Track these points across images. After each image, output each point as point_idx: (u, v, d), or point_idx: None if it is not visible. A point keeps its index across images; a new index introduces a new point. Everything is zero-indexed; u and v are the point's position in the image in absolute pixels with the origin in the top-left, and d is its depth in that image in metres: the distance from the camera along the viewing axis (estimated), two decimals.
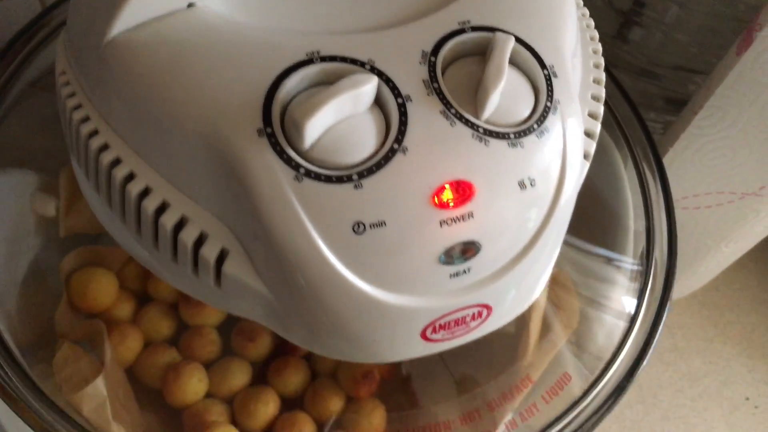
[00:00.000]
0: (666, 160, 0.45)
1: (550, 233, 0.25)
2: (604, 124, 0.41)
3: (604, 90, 0.28)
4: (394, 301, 0.23)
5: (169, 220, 0.23)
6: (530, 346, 0.36)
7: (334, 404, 0.38)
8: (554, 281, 0.38)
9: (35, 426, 0.30)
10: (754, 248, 0.51)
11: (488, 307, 0.25)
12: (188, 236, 0.23)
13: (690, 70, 0.51)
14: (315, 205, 0.21)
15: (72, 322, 0.39)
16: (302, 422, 0.39)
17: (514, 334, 0.37)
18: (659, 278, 0.35)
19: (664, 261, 0.35)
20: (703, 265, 0.50)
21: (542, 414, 0.30)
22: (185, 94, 0.22)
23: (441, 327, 0.24)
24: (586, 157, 0.27)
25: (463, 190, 0.22)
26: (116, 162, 0.23)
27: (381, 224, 0.22)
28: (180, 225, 0.23)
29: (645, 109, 0.54)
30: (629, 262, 0.37)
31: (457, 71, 0.24)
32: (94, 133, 0.24)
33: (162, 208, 0.23)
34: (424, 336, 0.25)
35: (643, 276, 0.34)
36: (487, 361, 0.35)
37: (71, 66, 0.25)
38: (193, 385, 0.39)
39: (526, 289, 0.26)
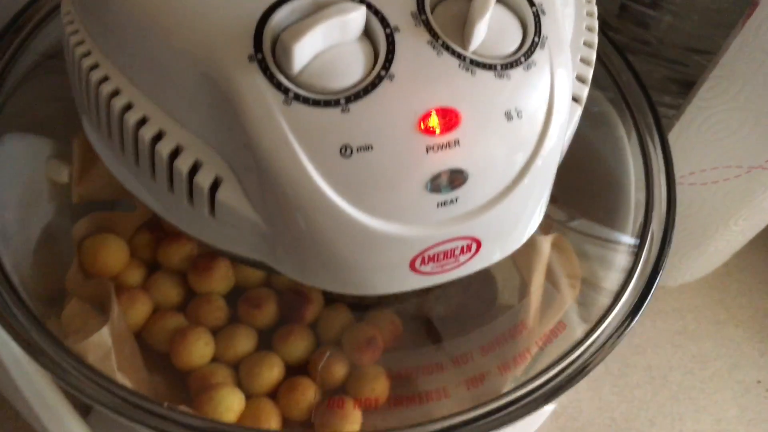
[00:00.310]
0: (672, 135, 0.45)
1: (538, 169, 0.25)
2: (609, 98, 0.42)
3: (596, 37, 0.28)
4: (383, 228, 0.23)
5: (164, 148, 0.24)
6: (532, 312, 0.36)
7: (338, 371, 0.39)
8: (555, 246, 0.38)
9: (50, 369, 0.30)
10: (765, 232, 0.51)
11: (477, 241, 0.25)
12: (183, 164, 0.24)
13: (703, 52, 0.52)
14: (303, 127, 0.22)
15: (82, 285, 0.40)
16: (305, 387, 0.39)
17: (516, 306, 0.38)
18: (655, 245, 0.35)
19: (661, 229, 0.35)
20: (712, 245, 0.50)
21: (534, 360, 0.30)
22: (179, 23, 0.23)
23: (430, 259, 0.25)
24: (578, 100, 0.27)
25: (449, 118, 0.23)
26: (115, 93, 0.24)
27: (368, 148, 0.22)
28: (175, 153, 0.24)
29: (659, 93, 0.54)
30: (629, 230, 0.37)
31: (446, 9, 0.24)
32: (94, 66, 0.25)
33: (158, 137, 0.24)
34: (413, 267, 0.25)
35: (640, 240, 0.34)
36: (491, 337, 0.35)
37: (74, 4, 0.26)
38: (200, 348, 0.40)
39: (515, 228, 0.26)
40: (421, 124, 0.23)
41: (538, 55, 0.24)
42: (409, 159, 0.23)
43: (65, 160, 0.42)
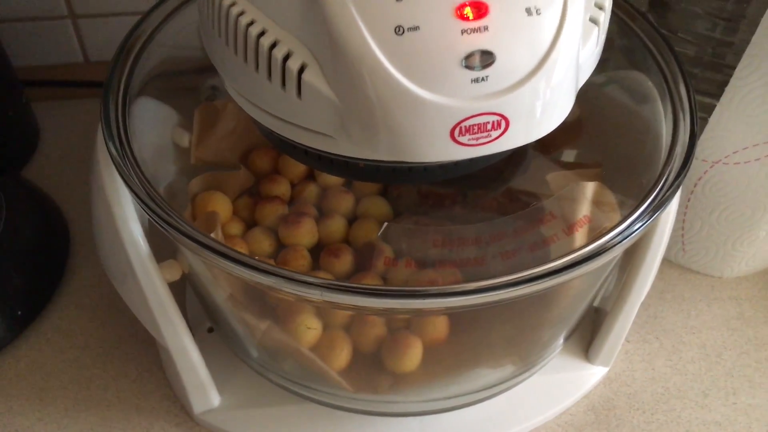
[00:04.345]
0: (714, 116, 0.50)
1: (555, 62, 0.31)
2: (653, 80, 0.47)
3: None
4: (428, 96, 0.30)
5: (266, 41, 0.32)
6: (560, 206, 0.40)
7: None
8: (596, 194, 0.43)
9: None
10: None
11: (505, 119, 0.31)
12: (279, 53, 0.32)
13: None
14: (367, 11, 0.29)
15: (193, 223, 0.48)
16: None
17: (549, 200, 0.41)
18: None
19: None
20: (763, 229, 0.53)
21: (563, 242, 0.35)
22: None
23: (467, 130, 0.31)
24: (595, 22, 0.34)
25: (480, 8, 0.30)
26: (233, 4, 0.33)
27: (416, 28, 0.29)
28: (273, 45, 0.32)
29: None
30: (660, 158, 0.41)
31: None
32: None
33: (262, 33, 0.32)
34: (453, 137, 0.31)
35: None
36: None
37: None
38: None
39: (538, 114, 0.32)
40: (457, 11, 0.30)
41: None
42: (448, 38, 0.30)
43: (187, 128, 0.51)
